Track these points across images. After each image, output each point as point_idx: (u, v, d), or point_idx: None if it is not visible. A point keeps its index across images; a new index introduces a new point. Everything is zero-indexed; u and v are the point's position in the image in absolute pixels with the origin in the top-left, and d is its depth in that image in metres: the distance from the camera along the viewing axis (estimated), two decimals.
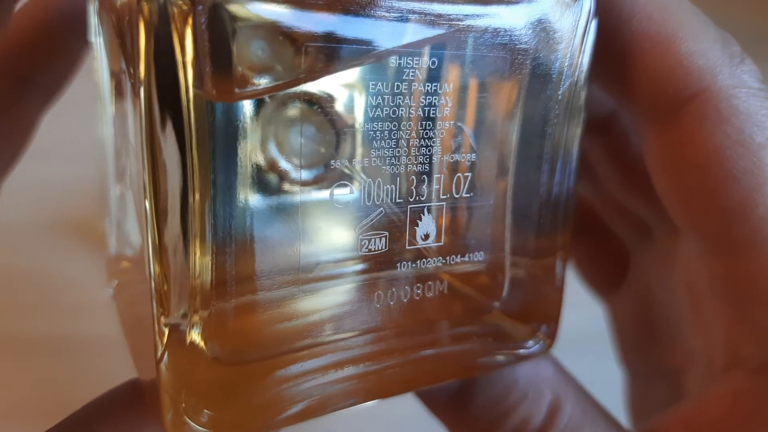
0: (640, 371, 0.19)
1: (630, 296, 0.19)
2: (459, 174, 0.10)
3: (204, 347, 0.09)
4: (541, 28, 0.10)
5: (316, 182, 0.10)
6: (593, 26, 0.11)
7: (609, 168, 0.17)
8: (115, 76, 0.11)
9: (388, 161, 0.10)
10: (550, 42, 0.10)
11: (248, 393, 0.10)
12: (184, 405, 0.09)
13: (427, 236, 0.10)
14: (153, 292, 0.09)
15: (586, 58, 0.11)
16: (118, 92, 0.11)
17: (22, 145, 0.15)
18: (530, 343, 0.12)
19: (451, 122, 0.10)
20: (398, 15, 0.09)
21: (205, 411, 0.09)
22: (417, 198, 0.10)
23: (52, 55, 0.14)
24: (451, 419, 0.14)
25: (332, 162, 0.09)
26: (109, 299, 0.15)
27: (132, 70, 0.08)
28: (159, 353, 0.09)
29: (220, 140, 0.08)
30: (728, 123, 0.11)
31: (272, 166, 0.09)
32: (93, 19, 0.12)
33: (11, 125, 0.15)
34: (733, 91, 0.11)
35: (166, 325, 0.09)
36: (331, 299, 0.10)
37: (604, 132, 0.16)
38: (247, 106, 0.08)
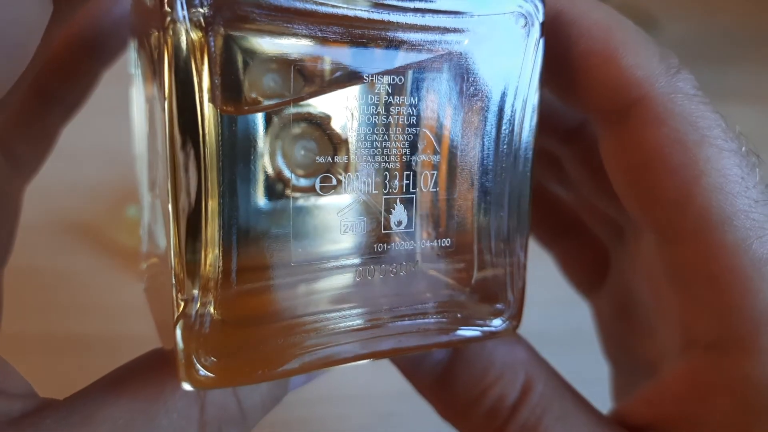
0: (622, 365, 0.20)
1: (610, 294, 0.20)
2: (429, 172, 0.12)
3: (213, 314, 0.11)
4: (497, 52, 0.12)
5: (309, 184, 0.12)
6: (541, 48, 0.13)
7: (582, 174, 0.18)
8: (149, 101, 0.13)
9: (368, 161, 0.12)
10: (505, 63, 0.12)
11: (249, 349, 0.12)
12: (194, 355, 0.11)
13: (399, 223, 0.12)
14: (173, 275, 0.11)
15: (536, 74, 0.13)
16: (151, 115, 0.13)
17: (46, 154, 0.17)
18: (496, 322, 0.14)
19: (423, 129, 0.12)
20: (376, 43, 0.11)
21: (211, 358, 0.11)
22: (391, 191, 0.12)
23: (76, 76, 0.16)
24: (437, 398, 0.16)
25: (323, 164, 0.12)
26: (140, 292, 0.17)
27: (161, 94, 0.10)
28: (175, 318, 0.11)
29: (228, 153, 0.10)
30: (665, 124, 0.13)
31: (276, 174, 0.11)
32: (133, 54, 0.14)
33: (38, 137, 0.16)
34: (669, 96, 0.13)
35: (181, 299, 0.11)
36: (320, 278, 0.12)
37: (575, 141, 0.18)
38: (252, 124, 0.10)
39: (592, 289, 0.21)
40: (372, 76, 0.11)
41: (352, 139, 0.11)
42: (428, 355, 0.16)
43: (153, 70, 0.11)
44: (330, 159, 0.11)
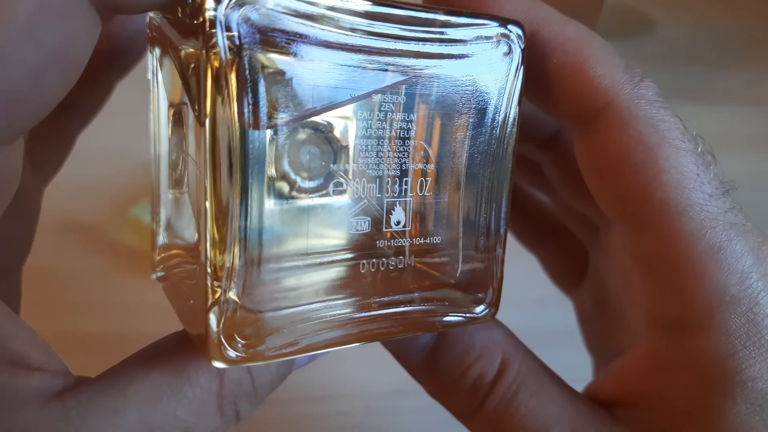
0: (601, 356, 0.21)
1: (588, 289, 0.21)
2: (422, 178, 0.14)
3: (238, 301, 0.13)
4: (483, 75, 0.14)
5: (319, 188, 0.13)
6: (521, 73, 0.15)
7: (559, 176, 0.20)
8: (175, 106, 0.15)
9: (371, 168, 0.13)
10: (489, 85, 0.14)
11: (265, 332, 0.13)
12: (224, 337, 0.12)
13: (398, 222, 0.14)
14: (208, 266, 0.12)
15: (516, 94, 0.15)
16: (177, 119, 0.14)
17: (65, 159, 0.18)
18: (478, 309, 0.16)
19: (417, 141, 0.14)
20: (378, 66, 0.12)
21: (237, 339, 0.13)
22: (391, 194, 0.14)
23: (95, 87, 0.17)
24: (425, 378, 0.18)
25: (331, 170, 0.13)
26: (146, 287, 0.17)
27: (198, 105, 0.11)
28: (210, 304, 0.12)
29: (253, 159, 0.11)
30: (629, 127, 0.14)
31: (285, 177, 0.13)
32: (151, 63, 0.16)
33: (59, 144, 0.18)
34: (632, 102, 0.14)
35: (216, 287, 0.12)
36: (328, 269, 0.14)
37: (552, 147, 0.20)
38: (268, 135, 0.12)
39: (573, 286, 0.22)
40: (380, 96, 0.13)
41: (358, 149, 0.13)
42: (415, 339, 0.17)
43: (184, 80, 0.12)
44: (338, 166, 0.13)
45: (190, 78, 0.12)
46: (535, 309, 0.31)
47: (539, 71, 0.15)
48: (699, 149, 0.15)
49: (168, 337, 0.14)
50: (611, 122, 0.14)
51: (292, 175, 0.13)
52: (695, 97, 0.60)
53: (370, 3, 0.12)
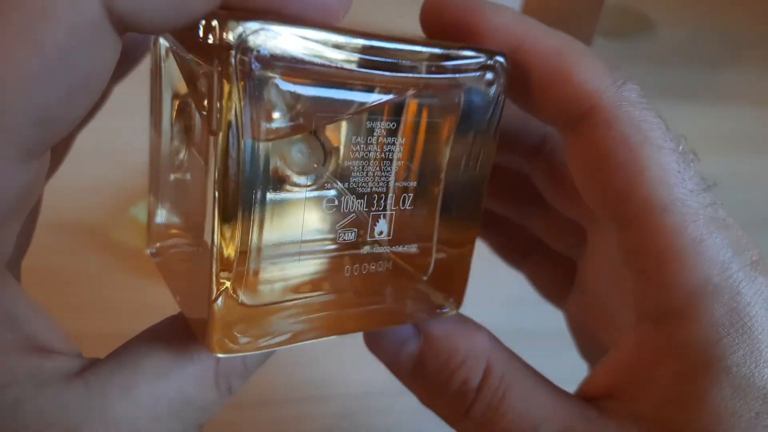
0: (595, 361, 0.21)
1: (577, 298, 0.22)
2: (404, 194, 0.16)
3: (239, 296, 0.14)
4: (468, 102, 0.15)
5: (311, 185, 0.15)
6: (503, 99, 0.16)
7: (547, 182, 0.21)
8: (180, 98, 0.16)
9: (360, 184, 0.15)
10: (472, 109, 0.15)
11: (258, 323, 0.15)
12: (223, 327, 0.14)
13: (381, 232, 0.16)
14: (214, 256, 0.13)
15: (495, 118, 0.16)
16: (181, 110, 0.16)
17: (62, 158, 0.18)
18: (445, 306, 0.18)
19: (402, 162, 0.15)
20: (368, 86, 0.14)
21: (235, 330, 0.14)
22: (376, 208, 0.15)
23: None
24: (414, 386, 0.18)
25: (321, 173, 0.15)
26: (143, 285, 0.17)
27: (207, 113, 0.12)
28: (212, 298, 0.13)
29: (258, 163, 0.13)
30: (613, 128, 0.15)
31: (281, 174, 0.14)
32: (154, 53, 0.17)
33: (61, 143, 0.18)
34: (616, 104, 0.15)
35: (226, 278, 0.13)
36: (315, 267, 0.16)
37: (539, 153, 0.21)
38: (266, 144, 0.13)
39: (562, 298, 0.23)
40: (370, 122, 0.14)
41: (351, 168, 0.15)
42: (403, 347, 0.18)
43: (190, 85, 0.14)
44: (328, 175, 0.15)
45: (197, 86, 0.13)
46: (526, 309, 0.31)
47: (527, 80, 0.16)
48: (680, 148, 0.15)
49: (168, 319, 0.16)
50: (596, 124, 0.15)
51: (288, 173, 0.14)
52: (695, 96, 0.60)
53: (365, 40, 0.13)
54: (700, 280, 0.14)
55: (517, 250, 0.24)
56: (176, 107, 0.16)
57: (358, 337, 0.18)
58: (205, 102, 0.12)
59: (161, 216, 0.18)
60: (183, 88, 0.16)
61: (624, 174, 0.15)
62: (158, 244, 0.18)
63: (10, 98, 0.10)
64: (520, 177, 0.22)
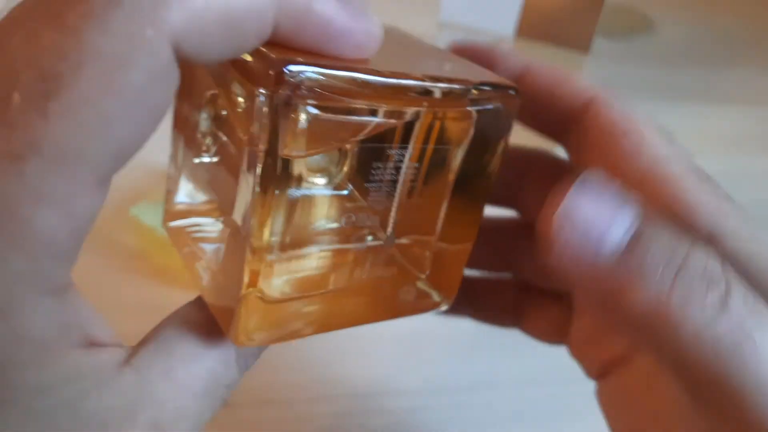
0: (592, 362, 0.22)
1: (579, 323, 0.22)
2: (413, 195, 0.17)
3: (259, 289, 0.15)
4: (474, 135, 0.17)
5: (328, 184, 0.16)
6: (512, 122, 0.18)
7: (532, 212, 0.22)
8: (213, 98, 0.18)
9: (374, 196, 0.17)
10: (484, 131, 0.17)
11: (278, 318, 0.16)
12: (248, 320, 0.15)
13: (391, 231, 0.17)
14: (248, 248, 0.14)
15: (503, 143, 0.18)
16: (212, 101, 0.18)
17: None
18: (442, 303, 0.19)
19: (411, 162, 0.17)
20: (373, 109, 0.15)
21: (258, 329, 0.16)
22: (387, 207, 0.17)
23: None
24: None
25: (336, 173, 0.16)
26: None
27: (247, 131, 0.14)
28: (241, 294, 0.15)
29: (291, 173, 0.15)
30: (613, 108, 0.18)
31: (303, 177, 0.15)
32: None
33: None
34: (609, 95, 0.19)
35: (255, 274, 0.15)
36: (330, 262, 0.17)
37: (574, 126, 0.22)
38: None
39: (563, 335, 0.23)
40: (390, 150, 0.16)
41: (366, 168, 0.16)
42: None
43: (221, 86, 0.16)
44: (343, 175, 0.16)
45: (231, 89, 0.15)
46: None
47: (538, 87, 0.20)
48: (664, 131, 0.18)
49: (189, 305, 0.17)
50: (598, 106, 0.19)
51: (312, 177, 0.16)
52: (695, 96, 0.60)
53: (384, 78, 0.15)
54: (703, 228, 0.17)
55: (507, 309, 0.25)
56: (208, 97, 0.18)
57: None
58: (240, 109, 0.14)
59: (183, 196, 0.20)
60: (212, 86, 0.17)
61: (628, 139, 0.18)
62: (177, 222, 0.20)
63: (90, 139, 0.12)
64: (501, 230, 0.24)
